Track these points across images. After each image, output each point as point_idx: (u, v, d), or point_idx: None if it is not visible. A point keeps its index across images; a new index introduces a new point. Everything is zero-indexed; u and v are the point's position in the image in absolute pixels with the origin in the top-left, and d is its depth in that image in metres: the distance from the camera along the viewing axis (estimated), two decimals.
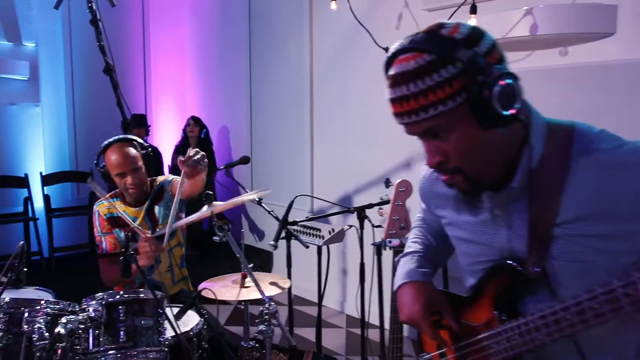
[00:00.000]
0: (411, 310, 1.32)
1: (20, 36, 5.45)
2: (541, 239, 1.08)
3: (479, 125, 1.01)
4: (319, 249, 3.07)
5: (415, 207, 1.61)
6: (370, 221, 2.73)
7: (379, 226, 2.04)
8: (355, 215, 2.85)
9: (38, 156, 5.63)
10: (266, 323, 2.08)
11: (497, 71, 0.99)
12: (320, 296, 3.05)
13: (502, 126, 1.02)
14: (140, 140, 2.61)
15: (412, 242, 1.53)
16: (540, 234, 1.08)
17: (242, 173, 5.43)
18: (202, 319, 2.20)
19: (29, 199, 5.27)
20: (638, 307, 0.92)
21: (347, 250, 4.41)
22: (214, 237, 2.11)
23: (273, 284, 2.38)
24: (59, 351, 1.74)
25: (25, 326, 1.73)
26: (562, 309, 1.00)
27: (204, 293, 2.17)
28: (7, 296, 1.77)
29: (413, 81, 1.00)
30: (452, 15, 3.22)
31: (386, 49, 3.56)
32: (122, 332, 1.78)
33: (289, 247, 2.92)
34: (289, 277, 2.82)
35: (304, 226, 3.14)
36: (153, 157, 2.65)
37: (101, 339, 1.76)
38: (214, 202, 2.06)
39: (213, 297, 2.10)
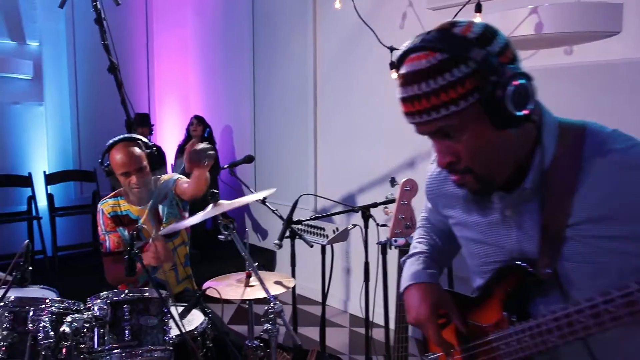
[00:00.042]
0: (418, 313, 1.31)
1: (24, 35, 5.46)
2: (553, 240, 1.07)
3: (491, 126, 1.00)
4: (323, 248, 3.07)
5: (421, 206, 1.60)
6: (374, 220, 2.72)
7: (384, 225, 2.03)
8: (358, 214, 2.84)
9: (41, 155, 5.64)
10: (271, 322, 2.07)
11: (510, 71, 0.97)
12: (324, 295, 3.04)
13: (514, 127, 1.00)
14: (145, 140, 2.61)
15: (418, 243, 1.52)
16: (552, 235, 1.07)
17: (245, 172, 5.43)
18: (207, 318, 2.20)
19: (32, 198, 5.29)
20: None
21: (350, 250, 4.40)
22: (219, 236, 2.10)
23: (278, 283, 2.37)
24: (64, 350, 1.74)
25: (30, 325, 1.73)
26: (575, 312, 0.99)
27: (208, 292, 2.16)
28: (11, 295, 1.77)
29: (425, 80, 0.99)
30: (456, 14, 3.21)
31: (391, 48, 3.57)
32: (127, 331, 1.77)
33: (293, 246, 2.91)
34: (293, 276, 2.82)
35: (308, 225, 3.13)
36: (157, 157, 2.64)
37: (106, 338, 1.76)
38: (220, 201, 2.05)
39: (218, 296, 2.10)
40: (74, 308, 1.86)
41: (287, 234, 2.71)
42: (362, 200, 4.20)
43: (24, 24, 5.43)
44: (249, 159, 3.09)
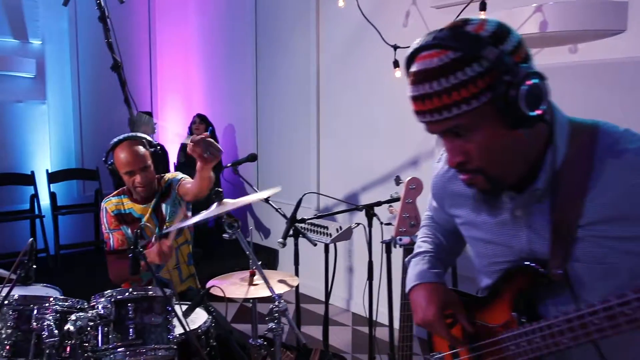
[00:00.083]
0: (426, 313, 1.30)
1: (27, 34, 5.46)
2: (564, 241, 1.06)
3: (503, 125, 0.99)
4: (326, 246, 3.06)
5: (426, 204, 1.59)
6: (378, 219, 2.72)
7: (389, 224, 2.03)
8: (361, 213, 2.84)
9: (44, 154, 5.64)
10: (276, 321, 2.06)
11: (524, 70, 0.96)
12: (328, 294, 3.04)
13: (527, 127, 0.99)
14: (149, 139, 2.60)
15: (422, 242, 1.51)
16: (563, 236, 1.06)
17: (248, 171, 5.43)
18: (211, 317, 2.19)
19: (35, 197, 5.29)
20: None
21: (353, 248, 4.40)
22: (224, 235, 2.09)
23: (281, 281, 2.37)
24: (68, 348, 1.74)
25: (34, 323, 1.72)
26: (589, 313, 0.97)
27: (212, 290, 2.16)
28: (15, 293, 1.77)
29: (436, 79, 0.97)
30: (460, 12, 3.20)
31: (394, 47, 3.56)
32: (131, 330, 1.77)
33: (296, 244, 2.91)
34: (297, 274, 2.81)
35: (312, 224, 3.13)
36: (161, 156, 2.64)
37: (110, 337, 1.75)
38: (224, 200, 2.05)
39: (222, 294, 2.09)
40: (78, 306, 1.86)
41: (291, 232, 2.71)
42: (364, 199, 4.20)
43: (26, 22, 5.43)
44: (252, 158, 3.09)
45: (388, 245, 2.60)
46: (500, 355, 1.18)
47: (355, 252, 4.39)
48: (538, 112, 0.97)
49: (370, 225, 2.79)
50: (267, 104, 5.41)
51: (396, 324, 2.25)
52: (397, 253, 2.22)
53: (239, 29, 5.71)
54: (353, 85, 4.35)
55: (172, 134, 6.56)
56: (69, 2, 2.53)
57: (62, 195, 5.51)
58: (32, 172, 5.35)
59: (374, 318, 2.90)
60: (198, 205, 2.75)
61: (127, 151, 2.48)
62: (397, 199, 2.12)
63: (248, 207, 5.78)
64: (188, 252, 2.74)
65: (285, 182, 4.95)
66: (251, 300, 2.43)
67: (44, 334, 1.68)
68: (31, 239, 1.83)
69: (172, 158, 5.91)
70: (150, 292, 1.84)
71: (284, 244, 2.54)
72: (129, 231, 2.60)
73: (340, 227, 3.00)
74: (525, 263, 1.13)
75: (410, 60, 1.05)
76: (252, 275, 2.36)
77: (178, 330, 1.89)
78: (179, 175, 2.73)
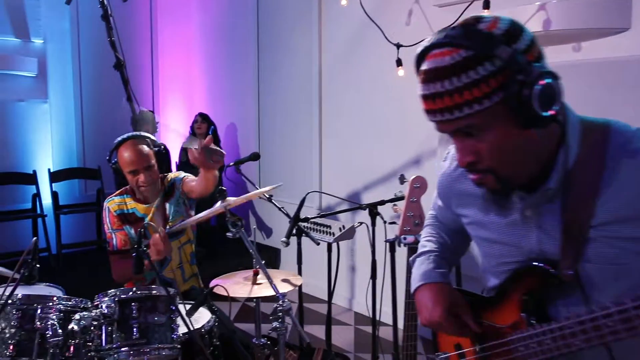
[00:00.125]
0: (432, 314, 1.29)
1: (29, 33, 5.46)
2: (575, 241, 1.05)
3: (516, 125, 0.97)
4: (329, 246, 3.05)
5: (430, 203, 1.59)
6: (382, 218, 2.71)
7: (393, 222, 2.02)
8: (363, 212, 2.83)
9: (46, 153, 5.63)
10: (280, 320, 2.06)
11: (537, 70, 0.94)
12: (330, 293, 3.03)
13: (539, 127, 0.98)
14: (153, 138, 2.60)
15: (426, 241, 1.50)
16: (575, 236, 1.05)
17: (250, 170, 5.42)
18: (214, 316, 2.19)
19: (37, 196, 5.29)
20: None
21: (355, 248, 4.39)
22: (228, 234, 2.09)
23: (285, 280, 2.36)
24: (72, 348, 1.74)
25: (38, 322, 1.72)
26: (603, 316, 0.96)
27: (215, 290, 2.15)
28: (19, 292, 1.77)
29: (448, 78, 0.96)
30: (464, 11, 3.19)
31: (397, 45, 3.56)
32: (135, 329, 1.76)
33: (299, 244, 2.90)
34: (300, 274, 2.81)
35: (314, 223, 3.12)
36: (164, 155, 2.64)
37: (114, 336, 1.75)
38: (228, 198, 2.04)
39: (225, 294, 2.09)
40: (82, 306, 1.86)
41: (294, 231, 2.70)
42: (366, 198, 4.19)
43: (28, 21, 5.43)
44: (255, 157, 3.09)
45: (392, 244, 2.59)
46: (509, 356, 1.17)
47: (358, 251, 4.38)
48: (551, 112, 0.96)
49: (373, 224, 2.79)
50: (269, 103, 5.40)
51: (400, 324, 2.24)
52: (401, 252, 2.22)
53: (240, 27, 5.70)
54: (355, 84, 4.35)
55: (174, 133, 6.55)
56: (71, 0, 2.52)
57: (64, 195, 5.50)
58: (34, 172, 5.34)
59: (377, 317, 2.90)
60: (201, 204, 2.75)
61: (131, 150, 2.47)
62: (401, 198, 2.12)
63: (250, 207, 5.77)
64: (191, 252, 2.74)
65: (287, 181, 4.95)
66: (254, 300, 2.42)
67: (47, 334, 1.69)
68: (35, 238, 1.82)
69: (174, 157, 5.90)
70: (154, 292, 1.84)
71: (287, 243, 2.53)
72: (132, 231, 2.59)
73: (343, 226, 2.99)
74: (534, 264, 1.12)
75: (420, 58, 1.03)
76: (256, 274, 2.35)
77: (181, 329, 1.88)
78: (182, 174, 2.72)
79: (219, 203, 2.04)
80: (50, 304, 1.78)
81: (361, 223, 2.88)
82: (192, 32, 6.53)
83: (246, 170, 3.31)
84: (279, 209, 2.91)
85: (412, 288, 1.40)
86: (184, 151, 5.60)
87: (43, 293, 1.94)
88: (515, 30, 0.98)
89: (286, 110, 5.17)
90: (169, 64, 6.61)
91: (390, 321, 2.93)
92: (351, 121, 4.42)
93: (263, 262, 2.19)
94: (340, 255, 2.88)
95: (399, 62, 3.52)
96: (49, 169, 5.44)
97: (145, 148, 2.51)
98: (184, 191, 2.64)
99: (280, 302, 2.04)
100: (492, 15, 1.00)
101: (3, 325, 1.72)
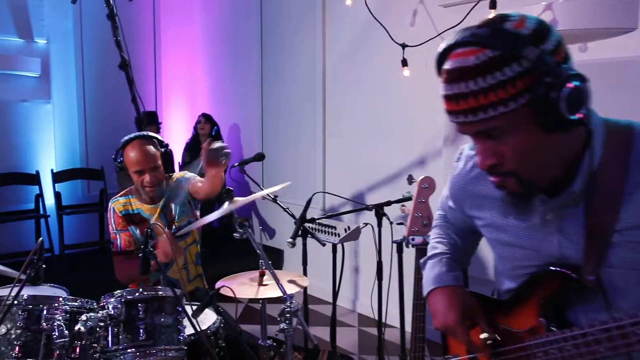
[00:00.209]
0: (446, 319, 1.27)
1: (32, 33, 5.45)
2: (598, 246, 1.02)
3: (540, 128, 0.94)
4: (334, 246, 3.04)
5: (438, 204, 1.57)
6: (388, 219, 2.70)
7: (401, 223, 2.01)
8: (367, 212, 2.81)
9: (49, 153, 5.63)
10: (287, 321, 2.04)
11: (565, 72, 0.92)
12: (335, 294, 3.02)
13: (565, 130, 0.95)
14: (160, 138, 2.59)
15: (437, 243, 1.47)
16: (598, 241, 1.02)
17: (253, 171, 5.39)
18: (220, 317, 2.18)
19: (40, 196, 5.28)
20: None
21: (359, 249, 4.38)
22: (235, 234, 2.08)
23: (291, 281, 2.35)
24: (78, 349, 1.72)
25: (44, 323, 1.71)
26: (631, 324, 0.93)
27: (221, 291, 2.14)
28: (24, 293, 1.75)
29: (473, 78, 0.93)
30: (469, 11, 3.18)
31: (403, 45, 3.54)
32: (141, 330, 1.75)
33: (305, 244, 2.89)
34: (305, 274, 2.80)
35: (319, 224, 3.11)
36: (168, 156, 2.63)
37: (120, 337, 1.74)
38: (235, 198, 2.03)
39: (232, 295, 2.07)
40: (88, 307, 1.85)
41: (299, 232, 2.69)
42: (371, 199, 4.18)
43: (31, 21, 5.42)
44: (260, 157, 3.08)
45: (400, 245, 2.57)
46: None
47: (362, 252, 4.37)
48: (579, 115, 0.93)
49: (379, 225, 2.77)
50: (273, 103, 5.39)
51: (407, 325, 2.23)
52: (409, 253, 2.20)
53: (244, 28, 5.70)
54: (359, 84, 4.33)
55: (176, 133, 6.55)
56: (77, 0, 2.52)
57: (66, 195, 5.50)
58: (37, 172, 5.34)
59: (383, 319, 2.88)
60: (206, 205, 2.73)
61: (137, 150, 2.46)
62: (409, 199, 2.10)
63: (253, 207, 5.76)
64: (196, 252, 2.73)
65: (291, 182, 4.93)
66: (260, 301, 2.41)
67: (54, 335, 1.67)
68: (41, 238, 1.81)
69: (177, 158, 5.89)
70: (160, 292, 1.83)
71: (293, 244, 2.52)
72: (137, 232, 2.58)
73: (349, 227, 2.98)
74: (554, 268, 1.10)
75: (442, 56, 1.01)
76: (262, 275, 2.34)
77: (187, 331, 1.87)
78: (188, 174, 2.71)
79: (226, 203, 2.03)
80: (56, 304, 1.77)
81: (366, 224, 2.87)
82: (195, 33, 6.52)
83: (249, 170, 3.30)
84: (284, 209, 2.90)
85: (425, 292, 1.38)
86: (186, 151, 5.59)
87: (47, 294, 1.93)
88: (542, 30, 0.95)
89: (290, 111, 5.16)
90: (172, 65, 6.61)
91: (395, 322, 2.91)
92: (355, 121, 4.41)
93: (270, 262, 2.18)
94: (344, 256, 2.87)
95: (404, 62, 3.50)
96: (51, 170, 5.43)
97: (152, 148, 2.50)
98: (191, 192, 2.62)
99: (288, 304, 2.02)
100: (519, 14, 0.97)
101: (9, 326, 1.71)
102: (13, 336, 1.70)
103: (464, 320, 1.26)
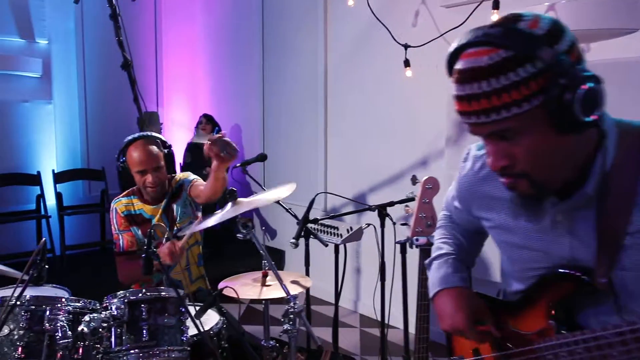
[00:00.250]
0: (454, 320, 1.27)
1: (33, 33, 5.45)
2: (610, 248, 1.01)
3: (554, 130, 0.93)
4: (336, 247, 3.04)
5: (442, 204, 1.56)
6: (391, 219, 2.69)
7: (405, 224, 2.01)
8: (369, 213, 2.80)
9: (50, 154, 5.63)
10: (291, 322, 2.04)
11: (580, 73, 0.90)
12: (338, 295, 3.01)
13: (579, 132, 0.94)
14: (163, 139, 2.58)
15: (442, 243, 1.47)
16: (610, 243, 1.01)
17: (255, 171, 5.40)
18: (223, 318, 2.17)
19: (41, 197, 5.28)
20: None
21: (361, 250, 4.37)
22: (238, 235, 2.07)
23: (294, 282, 2.34)
24: (80, 350, 1.72)
25: (47, 324, 1.71)
26: None
27: (225, 292, 2.13)
28: (27, 293, 1.75)
29: (486, 79, 0.92)
30: (472, 12, 3.17)
31: (405, 46, 3.54)
32: (144, 331, 1.75)
33: (307, 245, 2.88)
34: (307, 275, 2.79)
35: (322, 224, 3.10)
36: (173, 157, 2.63)
37: (123, 338, 1.73)
38: (239, 199, 2.02)
39: (235, 295, 2.07)
40: (90, 307, 1.84)
41: (302, 233, 2.69)
42: (372, 199, 4.17)
43: (33, 22, 5.42)
44: (262, 158, 3.08)
45: (403, 246, 2.57)
46: None
47: (363, 253, 4.36)
48: (594, 117, 0.92)
49: (382, 225, 2.77)
50: (274, 104, 5.39)
51: (411, 326, 2.22)
52: (412, 253, 2.20)
53: (245, 28, 5.69)
54: (361, 84, 4.33)
55: (177, 134, 6.54)
56: (79, 0, 2.51)
57: (68, 196, 5.49)
58: (38, 172, 5.33)
59: (388, 321, 2.87)
60: (207, 207, 2.72)
61: (140, 150, 2.46)
62: (412, 199, 2.10)
63: (254, 208, 5.74)
64: (198, 253, 2.72)
65: (293, 183, 4.92)
66: (263, 302, 2.40)
67: (57, 335, 1.67)
68: (44, 238, 1.81)
69: (178, 158, 5.89)
70: (163, 293, 1.83)
71: (296, 245, 2.52)
72: (139, 232, 2.57)
73: (351, 228, 2.97)
74: (565, 271, 1.09)
75: (454, 56, 0.99)
76: (265, 276, 2.33)
77: (190, 331, 1.87)
78: (191, 176, 2.70)
79: (229, 204, 2.02)
80: (59, 305, 1.76)
81: (369, 224, 2.86)
82: (197, 33, 6.52)
83: (251, 171, 3.29)
84: (287, 210, 2.90)
85: (431, 293, 1.37)
86: (188, 152, 5.59)
87: (49, 294, 1.93)
88: (557, 30, 0.93)
89: (291, 111, 5.15)
90: (173, 65, 6.61)
91: (397, 323, 2.91)
92: (357, 122, 4.40)
93: (273, 263, 2.18)
94: (346, 257, 2.87)
95: (406, 63, 3.50)
96: (53, 170, 5.42)
97: (155, 149, 2.49)
98: (192, 195, 2.61)
99: (292, 304, 2.02)
100: (533, 14, 0.95)
101: (12, 326, 1.71)
102: (16, 337, 1.70)
103: (472, 321, 1.25)
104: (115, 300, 1.78)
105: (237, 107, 5.98)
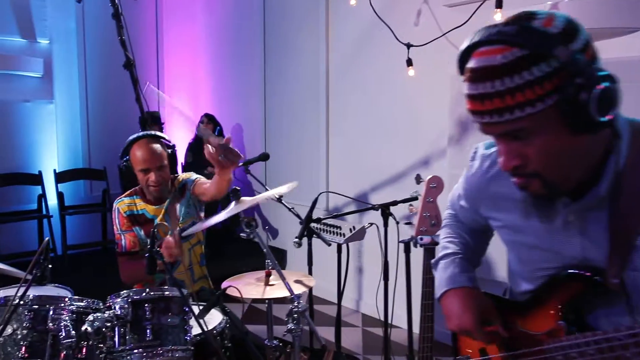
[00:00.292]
0: (462, 320, 1.26)
1: (35, 33, 5.45)
2: (622, 249, 1.00)
3: (568, 130, 0.92)
4: (339, 247, 3.03)
5: (446, 203, 1.55)
6: (394, 218, 2.68)
7: (409, 223, 2.00)
8: (371, 212, 2.80)
9: (52, 153, 5.63)
10: (295, 322, 2.03)
11: (596, 72, 0.89)
12: (340, 294, 3.01)
13: (594, 133, 0.92)
14: (167, 138, 2.58)
15: (448, 242, 1.45)
16: (622, 243, 1.00)
17: (256, 171, 5.39)
18: (226, 318, 2.17)
19: (42, 197, 5.28)
20: None
21: (363, 249, 4.37)
22: (242, 234, 2.07)
23: (297, 282, 2.34)
24: (84, 349, 1.71)
25: (51, 324, 1.70)
26: None
27: (228, 291, 2.13)
28: (30, 293, 1.74)
29: (499, 78, 0.90)
30: (475, 11, 3.17)
31: (408, 45, 3.53)
32: (148, 330, 1.74)
33: (310, 244, 2.88)
34: (310, 274, 2.78)
35: (324, 224, 3.10)
36: (175, 157, 2.62)
37: (127, 337, 1.73)
38: (242, 198, 2.02)
39: (239, 295, 2.06)
40: (94, 307, 1.84)
41: (305, 232, 2.68)
42: (374, 199, 4.17)
43: (34, 21, 5.42)
44: (265, 157, 3.07)
45: (407, 245, 2.56)
46: None
47: (366, 253, 4.36)
48: (609, 117, 0.90)
49: (385, 224, 2.76)
50: (276, 103, 5.38)
51: (415, 326, 2.22)
52: (416, 253, 2.19)
53: (246, 27, 5.69)
54: (363, 84, 4.32)
55: (178, 134, 6.54)
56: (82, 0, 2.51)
57: (69, 195, 5.50)
58: (40, 172, 5.34)
59: (390, 321, 2.87)
60: (209, 207, 2.72)
61: (144, 149, 2.45)
62: (416, 198, 2.09)
63: (257, 207, 5.75)
64: (201, 253, 2.72)
65: (294, 182, 4.92)
66: (266, 301, 2.39)
67: (61, 335, 1.66)
68: (47, 238, 1.80)
69: (180, 158, 5.88)
70: (167, 293, 1.82)
71: (299, 244, 2.51)
72: (142, 232, 2.57)
73: (354, 227, 2.97)
74: (577, 271, 1.08)
75: (466, 54, 0.97)
76: (268, 275, 2.33)
77: (194, 331, 1.86)
78: (194, 175, 2.69)
79: (233, 203, 2.01)
80: (62, 305, 1.76)
81: (372, 224, 2.85)
82: (198, 33, 6.52)
83: (253, 170, 3.29)
84: (289, 209, 2.89)
85: (438, 293, 1.36)
86: (189, 152, 5.59)
87: (51, 294, 1.92)
88: (571, 28, 0.92)
89: (293, 111, 5.15)
90: (175, 65, 6.60)
91: (400, 323, 2.90)
92: (359, 121, 4.40)
93: (270, 263, 2.17)
94: (349, 256, 2.86)
95: (409, 62, 3.49)
96: (54, 170, 5.43)
97: (158, 147, 2.49)
98: (196, 194, 2.60)
99: (296, 304, 2.01)
100: (547, 12, 0.94)
101: (15, 326, 1.70)
102: (19, 336, 1.69)
103: (479, 321, 1.24)
104: (119, 299, 1.77)
105: (238, 106, 5.97)
